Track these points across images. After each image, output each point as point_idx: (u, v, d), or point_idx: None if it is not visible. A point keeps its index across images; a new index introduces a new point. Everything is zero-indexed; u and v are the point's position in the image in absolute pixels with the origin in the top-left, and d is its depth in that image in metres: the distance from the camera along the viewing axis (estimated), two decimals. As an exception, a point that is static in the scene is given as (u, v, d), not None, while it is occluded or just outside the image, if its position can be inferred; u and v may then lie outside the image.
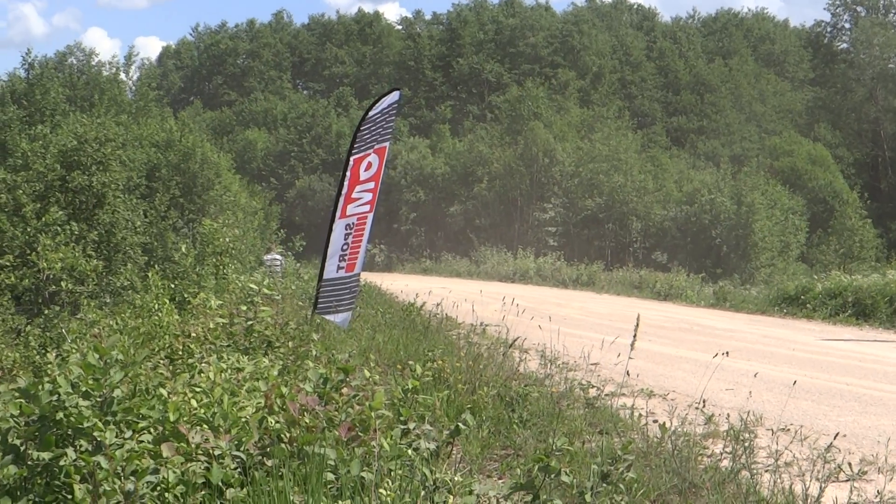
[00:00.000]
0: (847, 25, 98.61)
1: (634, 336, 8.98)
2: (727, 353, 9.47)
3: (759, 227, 57.71)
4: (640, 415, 9.18)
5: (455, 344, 14.00)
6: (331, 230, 14.21)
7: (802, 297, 30.13)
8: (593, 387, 10.87)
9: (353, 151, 14.16)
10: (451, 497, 4.95)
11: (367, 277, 28.77)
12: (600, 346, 11.68)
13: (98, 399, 5.48)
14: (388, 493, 5.05)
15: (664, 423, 8.01)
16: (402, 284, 30.56)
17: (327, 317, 14.15)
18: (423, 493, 5.30)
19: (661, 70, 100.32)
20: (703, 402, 9.47)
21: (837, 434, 8.11)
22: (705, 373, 11.09)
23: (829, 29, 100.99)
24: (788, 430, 9.31)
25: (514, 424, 8.59)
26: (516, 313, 14.47)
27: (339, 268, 14.10)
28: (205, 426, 6.09)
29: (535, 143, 67.69)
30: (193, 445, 5.73)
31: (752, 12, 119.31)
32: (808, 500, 6.06)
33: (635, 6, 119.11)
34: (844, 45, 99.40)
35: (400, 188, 75.72)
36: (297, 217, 77.68)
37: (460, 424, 6.25)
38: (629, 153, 67.35)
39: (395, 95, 14.63)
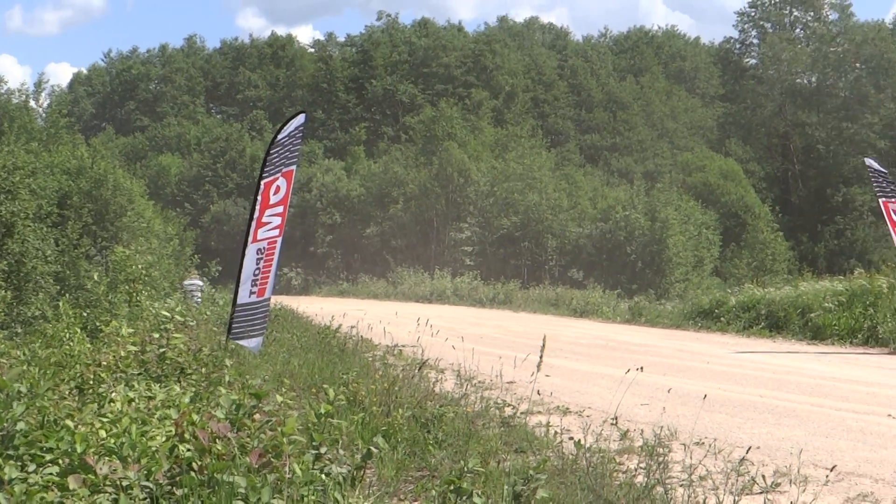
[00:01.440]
0: (755, 42, 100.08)
1: (541, 358, 8.97)
2: (641, 368, 9.51)
3: (673, 242, 58.20)
4: (556, 432, 9.18)
5: (371, 366, 13.93)
6: (244, 255, 14.11)
7: (716, 310, 30.40)
8: (509, 405, 10.85)
9: (264, 175, 14.08)
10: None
11: (284, 301, 28.59)
12: (517, 364, 11.67)
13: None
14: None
15: (579, 440, 8.00)
16: (318, 307, 30.41)
17: (241, 342, 14.03)
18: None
19: (573, 88, 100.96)
20: (616, 418, 9.49)
21: (750, 448, 8.15)
22: (620, 388, 11.13)
23: (737, 45, 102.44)
24: (703, 443, 9.36)
25: (430, 445, 8.54)
26: (432, 334, 14.46)
27: (251, 293, 13.98)
28: (113, 457, 5.99)
29: (449, 164, 67.76)
30: (101, 476, 5.63)
31: (662, 30, 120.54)
32: (722, 514, 6.07)
33: (547, 25, 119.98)
34: (753, 61, 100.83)
35: (315, 211, 75.43)
36: (213, 242, 76.98)
37: (372, 448, 6.21)
38: (543, 171, 67.63)
39: (301, 118, 14.55)
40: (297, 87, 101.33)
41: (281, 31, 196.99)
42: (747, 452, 7.77)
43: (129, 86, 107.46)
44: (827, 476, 7.75)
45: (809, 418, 11.45)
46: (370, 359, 15.36)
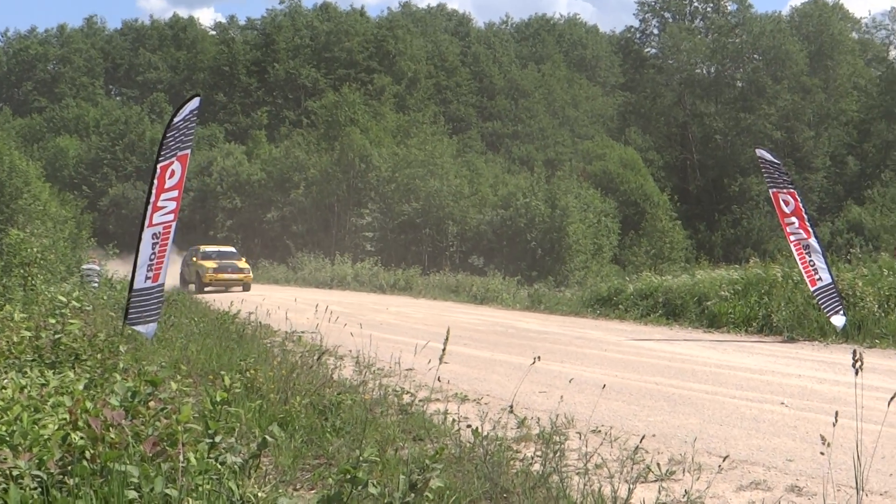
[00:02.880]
0: (655, 31, 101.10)
1: (444, 350, 8.97)
2: (539, 357, 9.52)
3: (573, 230, 58.49)
4: (454, 420, 9.18)
5: (269, 352, 13.83)
6: (140, 239, 13.95)
7: (615, 298, 30.64)
8: (407, 393, 10.83)
9: (160, 159, 13.93)
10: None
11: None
12: (417, 351, 11.66)
13: None
14: (189, 510, 4.94)
15: (477, 428, 8.00)
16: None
17: (136, 328, 13.87)
18: (229, 508, 5.20)
19: (475, 75, 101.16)
20: (511, 406, 9.51)
21: (644, 436, 8.21)
22: (519, 376, 11.16)
23: (638, 35, 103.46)
24: (599, 431, 9.42)
25: (327, 433, 8.50)
26: (331, 320, 14.39)
27: (146, 278, 13.83)
28: (3, 445, 5.87)
29: (351, 149, 67.57)
30: (-9, 466, 5.52)
31: (564, 18, 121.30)
32: (617, 502, 6.10)
33: (450, 12, 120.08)
34: (653, 51, 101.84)
35: (216, 195, 74.90)
36: (111, 226, 76.07)
37: (267, 436, 6.15)
38: (445, 158, 67.72)
39: (195, 102, 14.41)
40: (198, 69, 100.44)
41: (182, 12, 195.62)
42: (641, 441, 7.82)
43: (26, 66, 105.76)
44: (720, 464, 7.84)
45: (705, 406, 11.57)
46: (269, 345, 15.26)
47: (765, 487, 7.54)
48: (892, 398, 5.84)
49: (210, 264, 44.99)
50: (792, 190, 21.69)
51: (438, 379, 10.50)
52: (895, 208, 75.64)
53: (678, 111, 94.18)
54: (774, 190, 21.73)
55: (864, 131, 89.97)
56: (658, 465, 7.84)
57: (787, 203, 21.60)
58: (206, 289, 43.55)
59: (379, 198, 67.08)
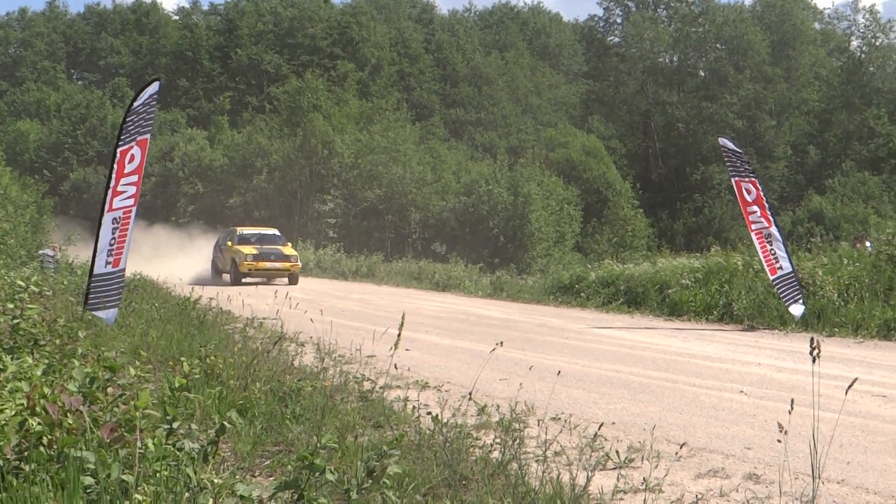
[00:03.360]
0: (619, 20, 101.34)
1: (399, 336, 8.97)
2: (501, 342, 9.54)
3: (536, 217, 58.63)
4: (414, 407, 9.17)
5: (230, 339, 13.79)
6: (100, 224, 13.89)
7: (576, 286, 30.76)
8: (368, 380, 10.81)
9: (120, 143, 13.87)
10: (211, 500, 4.84)
11: (145, 271, 28.19)
12: (377, 337, 11.65)
13: None
14: (145, 497, 4.92)
15: (436, 415, 8.00)
16: (178, 277, 30.08)
17: (97, 313, 13.81)
18: (186, 495, 5.18)
19: (439, 62, 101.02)
20: (470, 393, 9.51)
21: (602, 424, 8.23)
22: (480, 363, 11.17)
23: (601, 23, 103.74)
24: (559, 419, 9.45)
25: (287, 420, 8.48)
26: (293, 306, 14.35)
27: (107, 263, 13.77)
28: (-40, 432, 5.83)
29: (314, 135, 67.37)
30: (-54, 452, 5.48)
31: (527, 6, 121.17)
32: (575, 489, 6.12)
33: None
34: (616, 40, 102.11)
35: (178, 180, 74.54)
36: (73, 210, 75.61)
37: (225, 423, 6.14)
38: (408, 145, 67.73)
39: (155, 86, 14.36)
40: (160, 54, 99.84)
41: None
42: (599, 428, 7.84)
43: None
44: (678, 451, 7.87)
45: (664, 394, 11.62)
46: (230, 331, 15.21)
47: (723, 475, 7.58)
48: (849, 386, 5.88)
49: (248, 250, 38.59)
50: (753, 179, 21.81)
51: (395, 366, 10.51)
52: (856, 198, 76.14)
53: (641, 100, 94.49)
54: (737, 178, 21.85)
55: (825, 121, 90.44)
56: (617, 452, 7.87)
57: (748, 192, 21.72)
58: (243, 280, 38.47)
59: (341, 184, 66.97)
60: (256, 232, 42.89)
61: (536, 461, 7.19)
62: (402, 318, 9.12)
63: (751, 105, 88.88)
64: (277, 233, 43.58)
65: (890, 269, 21.74)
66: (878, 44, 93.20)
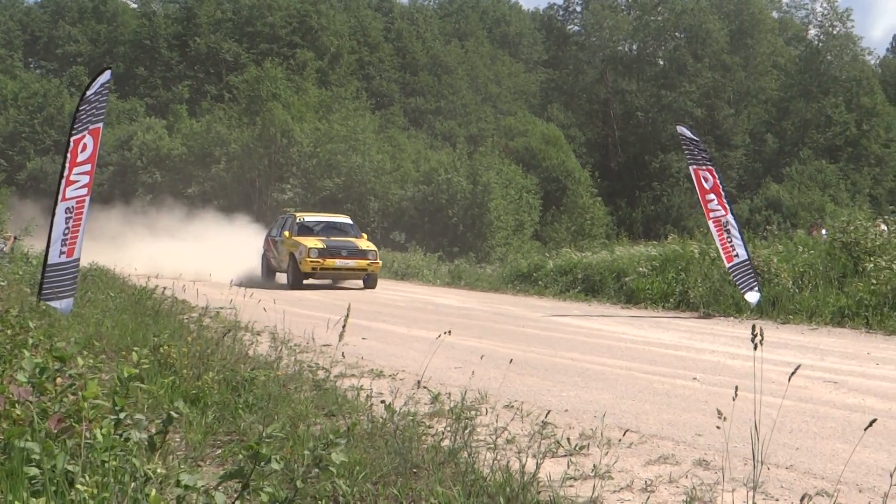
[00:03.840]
0: (578, 9, 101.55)
1: (344, 326, 8.98)
2: (449, 331, 9.54)
3: (495, 206, 58.68)
4: (368, 395, 9.17)
5: (185, 328, 13.74)
6: (54, 214, 13.84)
7: (535, 274, 30.90)
8: (322, 369, 10.81)
9: (73, 132, 13.81)
10: (153, 491, 4.83)
11: (101, 260, 28.02)
12: (332, 326, 11.64)
13: None
14: (87, 487, 4.90)
15: (389, 404, 8.01)
16: (134, 267, 29.93)
17: (51, 303, 13.74)
18: (133, 485, 5.16)
19: (398, 51, 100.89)
20: (420, 381, 9.55)
21: (550, 411, 8.30)
22: (436, 351, 11.18)
23: (561, 12, 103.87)
24: (512, 406, 9.46)
25: (240, 409, 8.46)
26: (248, 296, 14.33)
27: (61, 252, 13.72)
28: None
29: (273, 124, 67.17)
30: None
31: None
32: (525, 477, 6.14)
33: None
34: (576, 28, 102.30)
35: (136, 170, 74.16)
36: (30, 200, 75.14)
37: (172, 412, 6.12)
38: (367, 134, 67.58)
39: (107, 75, 14.30)
40: (118, 43, 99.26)
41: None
42: (546, 416, 7.90)
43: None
44: (622, 437, 7.93)
45: (618, 381, 11.67)
46: (185, 321, 15.16)
47: (673, 462, 7.62)
48: (792, 373, 5.92)
49: (313, 243, 31.48)
50: (710, 167, 21.96)
51: (343, 355, 10.52)
52: (813, 186, 76.74)
53: (600, 88, 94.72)
54: (695, 167, 21.98)
55: (782, 109, 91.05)
56: (568, 439, 7.89)
57: (706, 180, 21.85)
58: (305, 281, 31.67)
59: (300, 173, 66.81)
60: (322, 219, 35.88)
61: (488, 449, 7.20)
62: (348, 308, 9.13)
63: (709, 93, 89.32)
64: (349, 221, 36.23)
65: (844, 256, 21.92)
66: (835, 32, 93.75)
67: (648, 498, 6.40)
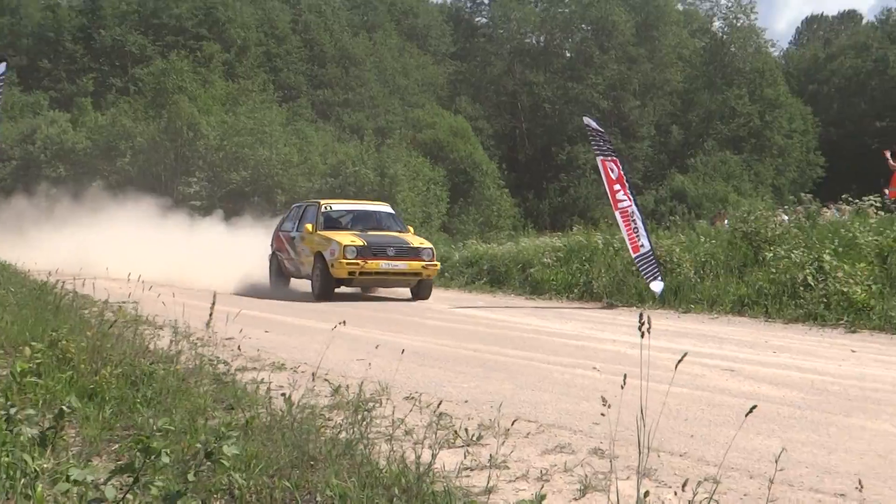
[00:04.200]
0: (486, 1, 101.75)
1: (210, 315, 9.00)
2: (344, 321, 9.56)
3: (402, 198, 58.76)
4: (268, 388, 9.16)
5: (86, 322, 13.62)
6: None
7: (441, 265, 30.94)
8: (223, 362, 10.78)
9: (-31, 126, 13.63)
10: (40, 486, 4.82)
11: (2, 255, 27.67)
12: (232, 319, 11.59)
13: None
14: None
15: (289, 396, 8.03)
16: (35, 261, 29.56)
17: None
18: (23, 480, 5.14)
19: (306, 43, 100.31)
20: (314, 374, 9.56)
21: (441, 401, 8.34)
22: (339, 344, 11.20)
23: (468, 4, 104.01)
24: (412, 398, 9.50)
25: (138, 404, 8.41)
26: (149, 289, 14.22)
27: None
28: None
29: (179, 117, 66.62)
30: None
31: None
32: (420, 468, 6.18)
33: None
34: (484, 20, 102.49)
35: (39, 164, 73.08)
36: (-70, 196, 73.89)
37: (64, 407, 6.10)
38: (274, 126, 67.37)
39: (2, 67, 14.16)
40: (21, 35, 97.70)
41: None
42: (440, 405, 7.95)
43: None
44: (520, 427, 8.01)
45: (519, 372, 11.75)
46: (87, 315, 15.02)
47: (569, 451, 7.70)
48: (679, 361, 6.05)
49: (349, 239, 24.38)
50: (615, 158, 22.17)
51: (239, 347, 10.49)
52: (717, 177, 77.70)
53: (508, 80, 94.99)
54: (602, 157, 22.18)
55: (687, 101, 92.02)
56: (466, 430, 7.94)
57: (612, 171, 22.06)
58: (338, 289, 25.00)
59: (207, 166, 66.37)
60: (354, 207, 28.87)
61: (385, 440, 7.25)
62: (214, 296, 9.16)
63: (616, 85, 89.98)
64: (389, 209, 28.77)
65: (744, 246, 22.26)
66: (739, 24, 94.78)
67: (542, 487, 6.46)
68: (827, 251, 19.84)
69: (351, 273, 23.65)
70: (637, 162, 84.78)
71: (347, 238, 24.24)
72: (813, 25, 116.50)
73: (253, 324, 9.40)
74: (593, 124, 22.67)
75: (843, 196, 26.08)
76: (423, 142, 73.99)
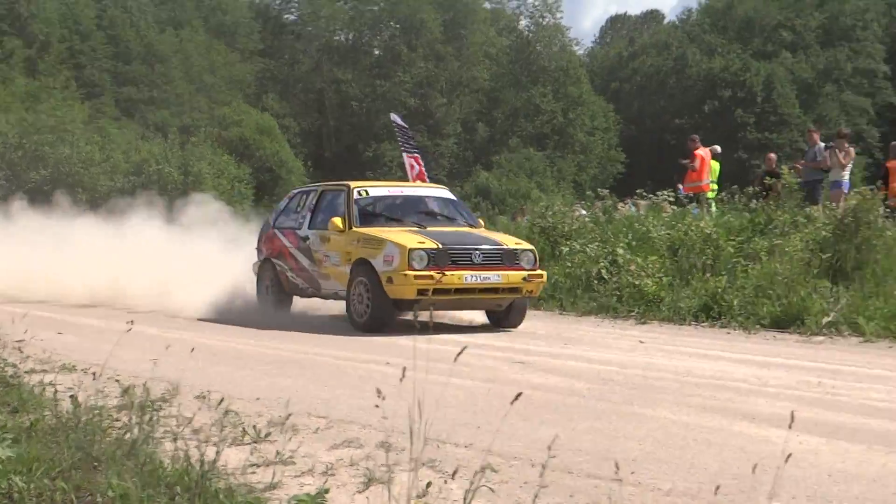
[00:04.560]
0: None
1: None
2: (133, 321, 9.50)
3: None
4: (56, 390, 9.04)
5: None
6: None
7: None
8: (11, 365, 10.60)
9: None
10: None
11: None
12: (20, 320, 11.40)
13: None
14: None
15: (76, 397, 7.94)
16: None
17: None
18: None
19: (111, 39, 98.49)
20: (95, 373, 9.46)
21: (223, 398, 8.38)
22: (136, 344, 11.06)
23: (278, 1, 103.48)
24: (203, 397, 9.49)
25: None
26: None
27: None
28: None
29: (-24, 116, 64.96)
30: None
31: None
32: (204, 465, 6.18)
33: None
34: (293, 17, 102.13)
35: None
36: None
37: None
38: (76, 124, 66.14)
39: None
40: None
41: None
42: (222, 402, 7.98)
43: None
44: (309, 422, 8.10)
45: (314, 368, 11.82)
46: None
47: (357, 445, 7.79)
48: (458, 354, 6.16)
49: (413, 241, 15.83)
50: (417, 154, 22.46)
51: (20, 349, 10.32)
52: (520, 173, 78.84)
53: (316, 78, 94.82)
54: (407, 153, 22.45)
55: (493, 99, 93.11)
56: (254, 427, 7.98)
57: (412, 167, 22.35)
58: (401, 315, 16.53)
59: (5, 165, 64.72)
60: (400, 192, 19.15)
61: (176, 440, 7.23)
62: None
63: (423, 83, 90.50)
64: (448, 193, 19.75)
65: (542, 240, 22.65)
66: (545, 23, 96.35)
67: (327, 481, 6.56)
68: (621, 245, 20.42)
69: (422, 291, 15.32)
70: (443, 159, 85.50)
71: (411, 238, 15.97)
72: (617, 24, 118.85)
73: (38, 324, 9.10)
74: (398, 120, 22.99)
75: (639, 191, 26.78)
76: (228, 140, 73.47)
